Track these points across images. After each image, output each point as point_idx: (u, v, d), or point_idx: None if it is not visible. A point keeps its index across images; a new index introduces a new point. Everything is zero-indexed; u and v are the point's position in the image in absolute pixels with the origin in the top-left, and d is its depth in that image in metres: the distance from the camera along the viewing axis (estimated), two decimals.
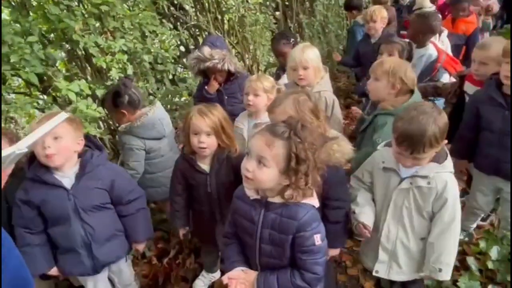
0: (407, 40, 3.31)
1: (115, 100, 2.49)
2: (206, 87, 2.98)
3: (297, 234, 1.41)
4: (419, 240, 1.83)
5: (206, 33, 4.45)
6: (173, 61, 3.66)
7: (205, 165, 2.05)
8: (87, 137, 1.93)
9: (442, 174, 1.70)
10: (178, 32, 3.67)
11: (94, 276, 2.00)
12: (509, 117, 2.14)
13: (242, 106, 2.63)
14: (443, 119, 1.62)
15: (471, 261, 2.32)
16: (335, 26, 6.66)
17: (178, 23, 4.43)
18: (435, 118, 1.58)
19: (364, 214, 1.84)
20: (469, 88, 2.64)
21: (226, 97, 2.98)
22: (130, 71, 3.10)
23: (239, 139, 2.24)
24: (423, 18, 3.40)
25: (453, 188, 1.71)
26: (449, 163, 1.73)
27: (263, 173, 1.36)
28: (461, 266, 2.39)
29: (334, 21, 6.70)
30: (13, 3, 2.93)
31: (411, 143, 1.59)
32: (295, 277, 1.45)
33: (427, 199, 1.73)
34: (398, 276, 1.91)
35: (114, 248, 1.97)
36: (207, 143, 1.95)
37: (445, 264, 1.72)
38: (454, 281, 2.22)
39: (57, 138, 1.71)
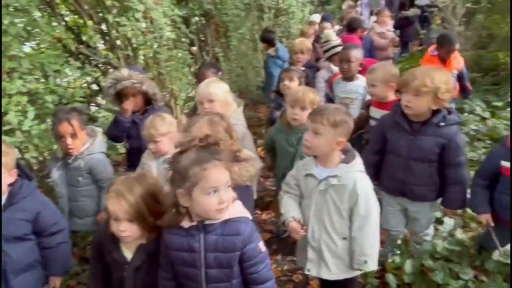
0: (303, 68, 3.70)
1: None
2: (122, 108, 2.79)
3: (244, 249, 1.43)
4: (342, 239, 1.92)
5: None
6: (81, 99, 3.45)
7: (128, 252, 1.64)
8: (19, 166, 1.96)
9: (351, 172, 1.85)
10: (85, 71, 3.49)
11: None
12: (414, 142, 2.24)
13: None
14: None
15: (389, 278, 2.39)
16: (249, 59, 6.86)
17: (88, 61, 4.25)
18: None
19: (291, 211, 1.98)
20: (374, 112, 2.85)
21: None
22: (31, 113, 2.87)
23: None
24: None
25: (363, 184, 1.85)
26: (357, 163, 1.90)
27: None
28: (381, 283, 2.47)
29: (249, 54, 6.91)
30: None
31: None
32: None
33: (342, 197, 1.86)
34: (328, 275, 1.97)
35: (29, 279, 1.95)
36: (130, 231, 1.53)
37: (369, 256, 1.86)
38: None
39: None
